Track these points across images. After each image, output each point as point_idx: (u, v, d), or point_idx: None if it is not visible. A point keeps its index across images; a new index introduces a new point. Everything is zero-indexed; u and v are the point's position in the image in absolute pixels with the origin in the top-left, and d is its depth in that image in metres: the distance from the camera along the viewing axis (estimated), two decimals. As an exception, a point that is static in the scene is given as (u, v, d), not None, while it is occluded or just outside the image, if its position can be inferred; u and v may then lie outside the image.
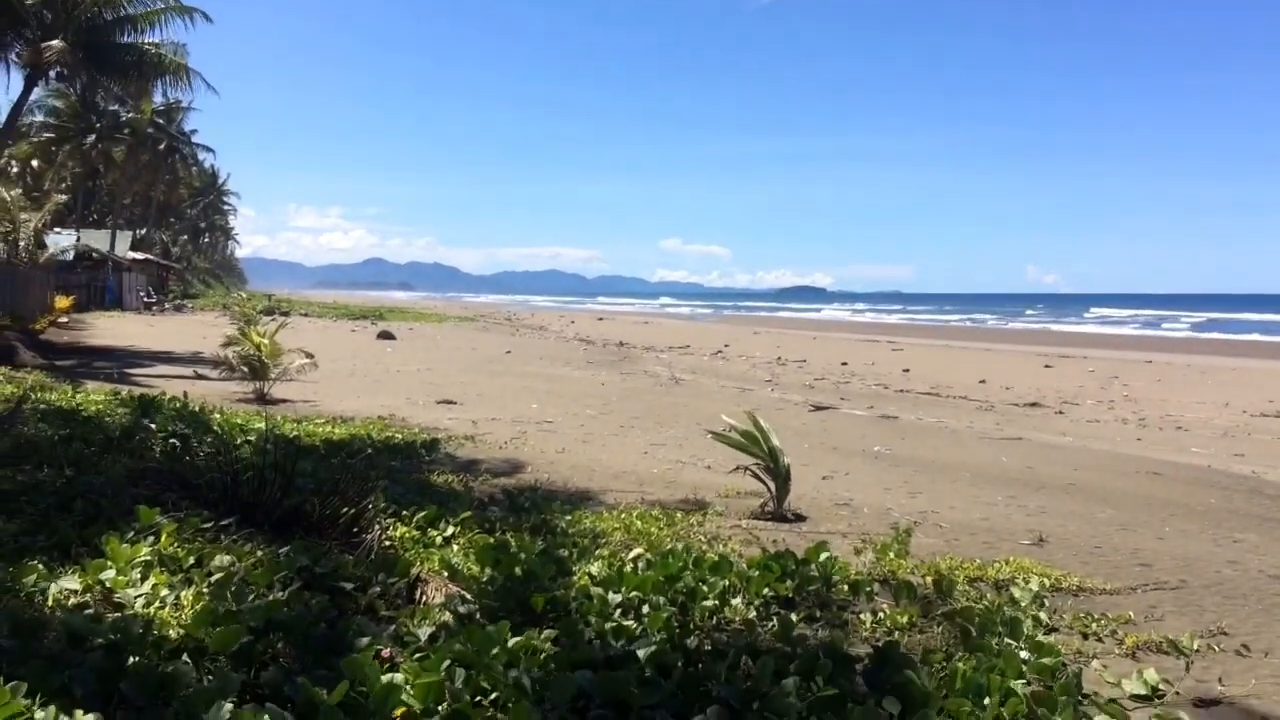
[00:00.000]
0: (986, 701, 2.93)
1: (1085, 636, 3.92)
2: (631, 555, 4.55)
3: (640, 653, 3.04)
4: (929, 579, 4.54)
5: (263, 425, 7.47)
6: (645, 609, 3.60)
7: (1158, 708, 3.07)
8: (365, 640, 2.97)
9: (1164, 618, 4.25)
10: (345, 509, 4.56)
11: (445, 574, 3.98)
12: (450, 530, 4.84)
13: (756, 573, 4.14)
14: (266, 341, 11.78)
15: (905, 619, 3.89)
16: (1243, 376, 23.42)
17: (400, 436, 8.37)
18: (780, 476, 6.27)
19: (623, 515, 5.65)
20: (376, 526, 4.57)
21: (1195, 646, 3.80)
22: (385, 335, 27.60)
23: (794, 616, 3.77)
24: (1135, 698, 3.24)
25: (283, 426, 8.06)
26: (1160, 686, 3.31)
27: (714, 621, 3.76)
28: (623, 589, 3.76)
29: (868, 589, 4.26)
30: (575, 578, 4.05)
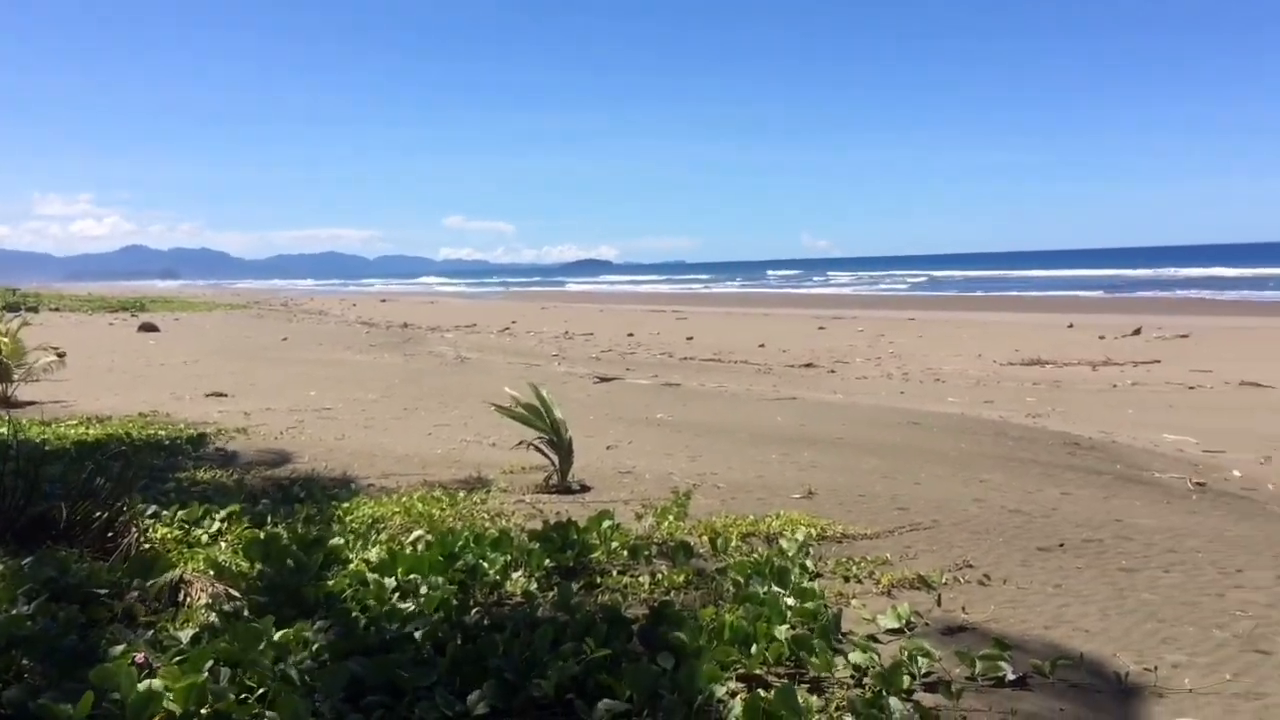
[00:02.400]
0: (752, 648, 3.08)
1: (847, 579, 4.17)
2: (411, 538, 4.50)
3: (416, 634, 3.02)
4: (705, 538, 4.72)
5: (3, 430, 6.89)
6: (424, 590, 3.56)
7: (908, 639, 3.30)
8: (120, 648, 2.81)
9: (918, 556, 4.57)
10: (98, 513, 4.27)
11: (211, 572, 3.81)
12: (216, 526, 4.63)
13: (537, 545, 4.18)
14: (6, 340, 10.84)
15: (682, 578, 4.02)
16: (994, 330, 25.34)
17: (164, 433, 7.91)
18: (564, 449, 6.33)
19: (403, 499, 5.56)
20: (134, 529, 4.32)
21: (944, 580, 4.12)
22: (148, 327, 25.90)
23: (574, 585, 3.82)
24: (890, 632, 3.48)
25: (28, 430, 7.46)
26: (912, 619, 3.57)
27: (494, 597, 3.77)
28: (399, 572, 3.71)
29: (646, 552, 4.37)
30: (352, 565, 3.96)
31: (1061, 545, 4.77)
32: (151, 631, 3.08)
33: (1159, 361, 17.17)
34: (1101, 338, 22.09)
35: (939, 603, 3.87)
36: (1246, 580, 4.17)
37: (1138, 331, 22.98)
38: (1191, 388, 13.83)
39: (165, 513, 4.81)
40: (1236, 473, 7.59)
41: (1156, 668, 3.17)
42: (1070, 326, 25.62)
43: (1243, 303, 40.04)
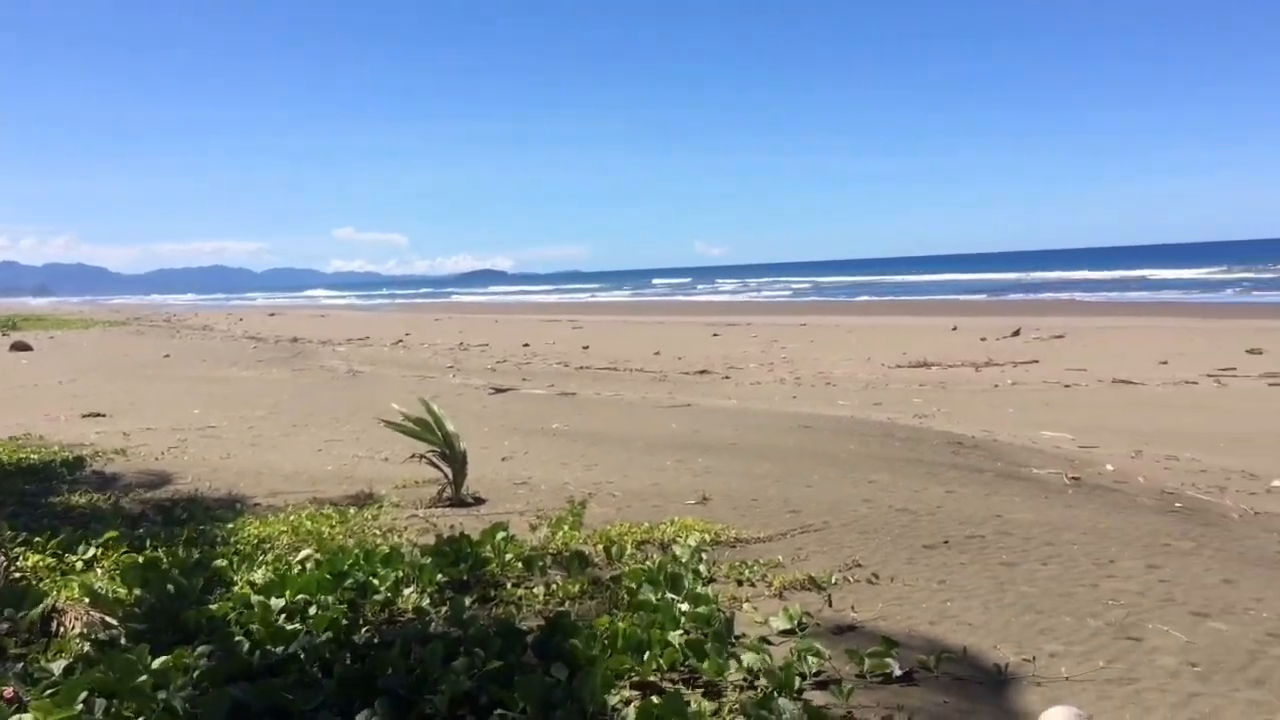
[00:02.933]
0: (645, 655, 3.10)
1: (740, 583, 4.22)
2: (299, 557, 4.39)
3: (303, 656, 2.95)
4: (600, 547, 4.72)
5: None
6: (312, 610, 3.49)
7: (799, 639, 3.36)
8: (-15, 685, 2.68)
9: (809, 557, 4.65)
10: (-38, 543, 4.08)
11: (86, 600, 3.66)
12: (92, 552, 4.45)
13: (430, 560, 4.12)
14: None
15: (577, 588, 4.01)
16: (883, 334, 25.98)
17: (36, 457, 7.57)
18: (457, 461, 6.26)
19: (291, 517, 5.43)
20: (3, 557, 4.13)
21: (834, 580, 4.20)
22: (20, 346, 24.75)
23: (468, 599, 3.78)
24: (782, 633, 3.53)
25: (-114, 458, 7.07)
26: (803, 620, 3.63)
27: (386, 614, 3.71)
28: (286, 593, 3.63)
29: (541, 563, 4.36)
30: (236, 588, 3.85)
31: (946, 542, 4.91)
32: (22, 664, 2.95)
33: (1037, 361, 17.84)
34: (984, 339, 22.85)
35: (829, 602, 3.95)
36: (1118, 570, 4.36)
37: (1017, 333, 23.83)
38: (1067, 386, 14.40)
39: (38, 539, 4.60)
40: (1109, 467, 7.92)
41: (1035, 658, 3.29)
42: (954, 329, 26.42)
43: (1112, 304, 41.95)
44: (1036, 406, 12.39)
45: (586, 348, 23.30)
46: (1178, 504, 6.38)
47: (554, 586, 4.05)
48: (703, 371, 17.47)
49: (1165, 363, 16.90)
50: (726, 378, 16.52)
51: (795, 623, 3.57)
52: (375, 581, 3.85)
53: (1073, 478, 7.11)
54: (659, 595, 3.70)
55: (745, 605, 3.88)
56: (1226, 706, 2.90)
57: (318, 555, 4.34)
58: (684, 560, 4.32)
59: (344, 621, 3.40)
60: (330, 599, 3.61)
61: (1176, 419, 11.12)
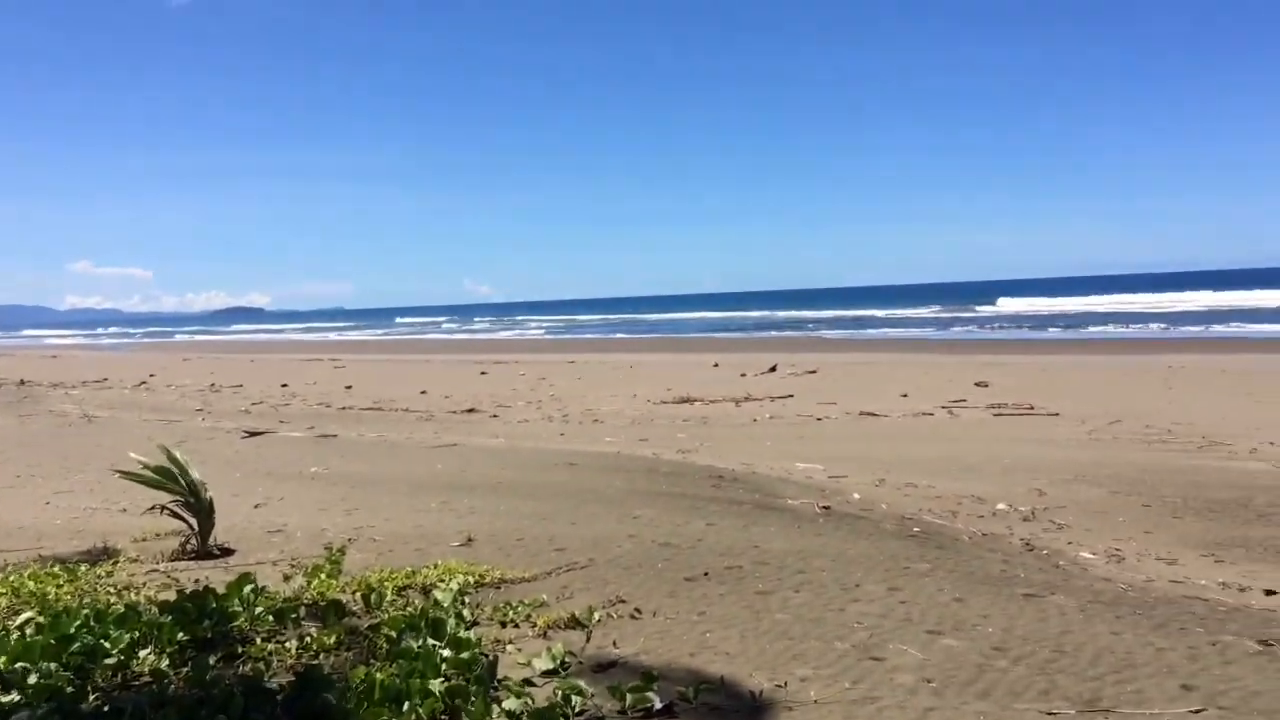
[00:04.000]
0: (405, 706, 3.00)
1: (504, 624, 4.17)
2: (19, 621, 4.00)
3: (18, 732, 2.68)
4: (359, 594, 4.55)
5: None
6: (32, 679, 3.18)
7: (562, 679, 3.35)
8: None
9: (574, 595, 4.66)
10: None
11: None
12: None
13: (169, 618, 3.84)
14: None
15: (333, 639, 3.85)
16: (649, 370, 26.58)
17: None
18: (203, 511, 5.90)
19: (11, 578, 4.93)
20: None
21: (597, 617, 4.22)
22: None
23: (212, 658, 3.55)
24: (545, 673, 3.52)
25: None
26: (566, 659, 3.63)
27: (119, 679, 3.42)
28: (2, 662, 3.29)
29: (295, 615, 4.15)
30: (-60, 660, 3.45)
31: (706, 574, 5.04)
32: None
33: (793, 396, 18.74)
34: (743, 375, 23.79)
35: (590, 639, 3.96)
36: (863, 594, 4.61)
37: (774, 369, 24.97)
38: (819, 419, 15.19)
39: None
40: (856, 495, 8.40)
41: (787, 683, 3.42)
42: (716, 365, 27.39)
43: (857, 340, 44.88)
44: (792, 439, 12.98)
45: (349, 387, 22.58)
46: (916, 529, 6.83)
47: (308, 639, 3.87)
48: (470, 410, 17.28)
49: (906, 395, 18.13)
50: (495, 416, 16.41)
51: (558, 662, 3.56)
52: (107, 644, 3.55)
53: (823, 507, 7.48)
54: (420, 642, 3.60)
55: (509, 647, 3.83)
56: (957, 719, 3.11)
57: (40, 618, 3.96)
58: (446, 604, 4.23)
59: (69, 689, 3.11)
60: (53, 665, 3.30)
61: (915, 448, 11.93)
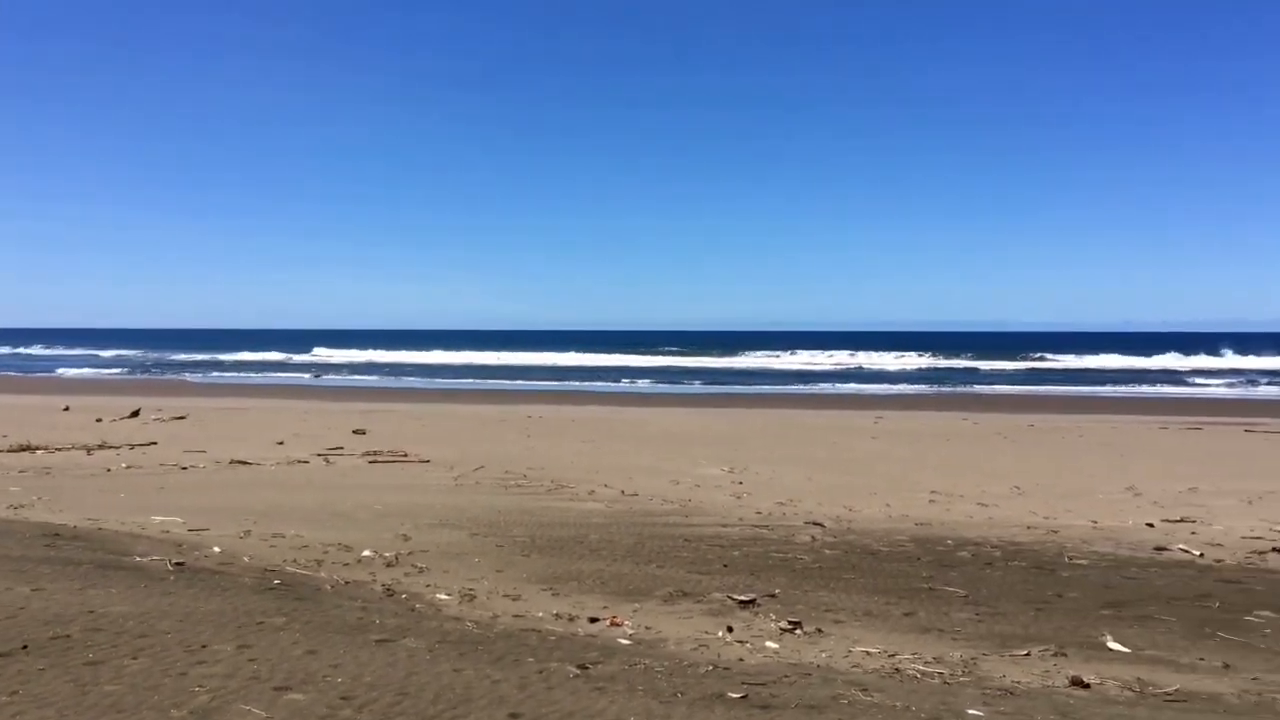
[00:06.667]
0: None
1: None
2: None
3: None
4: None
5: None
6: None
7: None
8: None
9: None
10: None
11: None
12: None
13: None
14: None
15: None
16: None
17: None
18: None
19: None
20: None
21: None
22: None
23: None
24: None
25: None
26: None
27: None
28: None
29: None
30: None
31: (25, 647, 4.41)
32: None
33: (156, 443, 17.37)
34: (99, 420, 21.58)
35: None
36: (210, 654, 4.35)
37: (136, 413, 22.96)
38: (185, 468, 14.25)
39: None
40: (217, 549, 7.97)
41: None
42: (67, 409, 24.46)
43: (232, 385, 43.13)
44: (151, 490, 11.99)
45: None
46: (277, 580, 6.65)
47: None
48: None
49: (282, 443, 17.73)
50: None
51: None
52: None
53: (176, 563, 6.97)
54: None
55: None
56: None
57: None
58: None
59: None
60: None
61: (287, 497, 11.67)
